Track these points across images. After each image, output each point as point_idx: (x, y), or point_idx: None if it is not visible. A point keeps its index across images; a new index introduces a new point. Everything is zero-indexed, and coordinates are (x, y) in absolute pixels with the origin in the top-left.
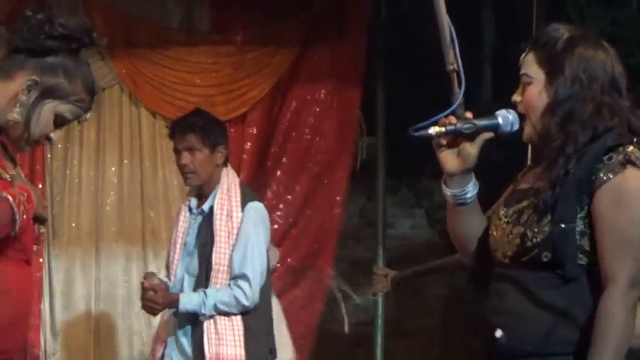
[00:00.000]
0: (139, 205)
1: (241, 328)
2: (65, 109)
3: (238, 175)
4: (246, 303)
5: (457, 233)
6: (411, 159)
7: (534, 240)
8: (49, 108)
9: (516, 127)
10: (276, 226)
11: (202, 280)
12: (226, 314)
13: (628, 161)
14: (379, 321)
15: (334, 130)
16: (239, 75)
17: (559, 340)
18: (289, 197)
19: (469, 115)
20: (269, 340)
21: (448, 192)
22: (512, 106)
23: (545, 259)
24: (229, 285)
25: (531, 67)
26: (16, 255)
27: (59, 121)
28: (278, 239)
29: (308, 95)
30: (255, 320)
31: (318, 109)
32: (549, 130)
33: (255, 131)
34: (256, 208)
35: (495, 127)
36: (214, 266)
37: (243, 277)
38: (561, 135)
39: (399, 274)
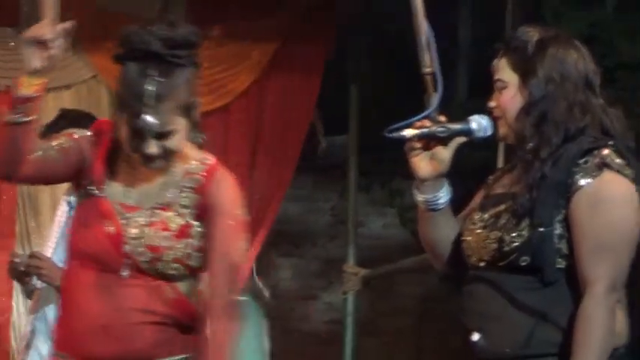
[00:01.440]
0: None
1: None
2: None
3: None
4: None
5: (429, 239)
6: (383, 158)
7: (512, 244)
8: None
9: (489, 132)
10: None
11: None
12: None
13: (604, 165)
14: (349, 319)
15: (297, 125)
16: (216, 68)
17: (539, 342)
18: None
19: (443, 119)
20: None
21: (420, 198)
22: (488, 107)
23: (523, 264)
24: None
25: (505, 71)
26: None
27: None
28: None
29: (283, 90)
30: None
31: (287, 104)
32: (524, 132)
33: (238, 122)
34: None
35: (469, 132)
36: None
37: None
38: (535, 136)
39: (369, 273)
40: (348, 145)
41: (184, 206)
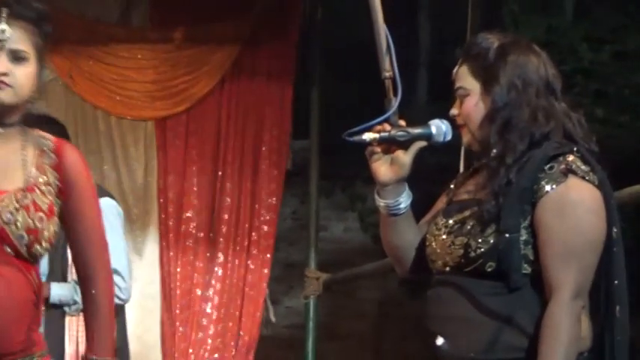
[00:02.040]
0: None
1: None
2: None
3: (185, 170)
4: (122, 296)
5: (391, 245)
6: (345, 162)
7: (478, 250)
8: None
9: (449, 137)
10: (224, 228)
11: (58, 278)
12: None
13: (569, 171)
14: (311, 324)
15: (269, 129)
16: (177, 72)
17: (503, 347)
18: (233, 195)
19: (403, 123)
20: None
21: (381, 203)
22: (450, 116)
23: (489, 269)
24: None
25: (466, 79)
26: None
27: None
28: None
29: (248, 94)
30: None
31: (256, 109)
32: (488, 139)
33: (200, 128)
34: (109, 204)
35: (428, 137)
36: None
37: (114, 271)
38: (500, 143)
39: (331, 278)
40: (307, 149)
41: (46, 183)
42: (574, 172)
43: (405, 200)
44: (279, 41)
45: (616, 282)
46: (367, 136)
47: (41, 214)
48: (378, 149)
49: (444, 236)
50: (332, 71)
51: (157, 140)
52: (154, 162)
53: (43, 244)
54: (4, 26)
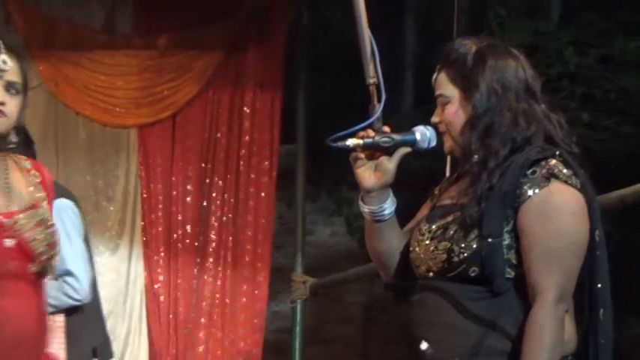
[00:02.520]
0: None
1: (62, 327)
2: None
3: (170, 178)
4: (77, 296)
5: (376, 250)
6: (331, 166)
7: (461, 255)
8: None
9: (433, 143)
10: (213, 235)
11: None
12: (52, 312)
13: (552, 175)
14: (297, 328)
15: (258, 135)
16: (162, 78)
17: (487, 351)
18: (222, 203)
19: (387, 129)
20: (93, 338)
21: (366, 209)
22: (432, 123)
23: (472, 274)
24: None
25: (446, 86)
26: None
27: None
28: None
29: (234, 100)
30: (78, 319)
31: (243, 115)
32: (470, 145)
33: (185, 134)
34: (65, 205)
35: (413, 143)
36: None
37: (68, 272)
38: (482, 149)
39: (317, 282)
40: (293, 154)
41: (42, 199)
42: (556, 177)
43: (389, 206)
44: (265, 47)
45: (599, 285)
46: (351, 141)
47: (52, 228)
48: (362, 155)
49: (428, 241)
50: (317, 75)
51: (140, 148)
52: (137, 170)
53: (57, 256)
54: (4, 57)
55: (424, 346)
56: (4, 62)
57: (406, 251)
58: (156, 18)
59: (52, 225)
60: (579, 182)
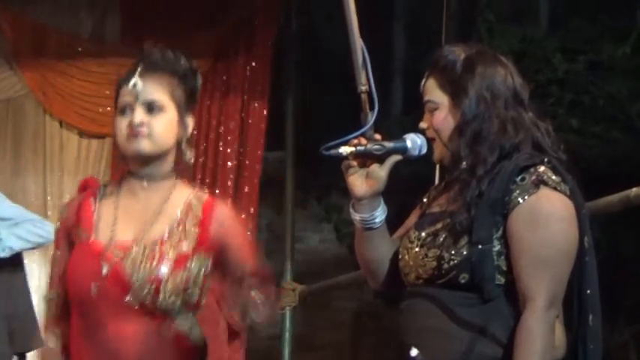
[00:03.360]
0: (54, 215)
1: None
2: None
3: None
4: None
5: (365, 258)
6: (320, 173)
7: (451, 262)
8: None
9: (424, 151)
10: None
11: None
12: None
13: (540, 182)
14: (287, 335)
15: (245, 143)
16: None
17: (478, 357)
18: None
19: (378, 137)
20: (7, 324)
21: (357, 217)
22: (420, 129)
23: (463, 281)
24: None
25: (434, 92)
26: None
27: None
28: None
29: (222, 108)
30: None
31: (229, 122)
32: (459, 152)
33: None
34: None
35: (404, 150)
36: None
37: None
38: (471, 156)
39: (307, 289)
40: (282, 160)
41: (183, 237)
42: (545, 183)
43: (380, 214)
44: (253, 55)
45: (589, 291)
46: (343, 149)
47: (167, 265)
48: (354, 163)
49: (417, 249)
50: (306, 82)
51: None
52: None
53: (168, 296)
54: (136, 80)
55: (414, 352)
56: (134, 85)
57: (395, 259)
58: (144, 26)
59: (169, 262)
60: (568, 188)
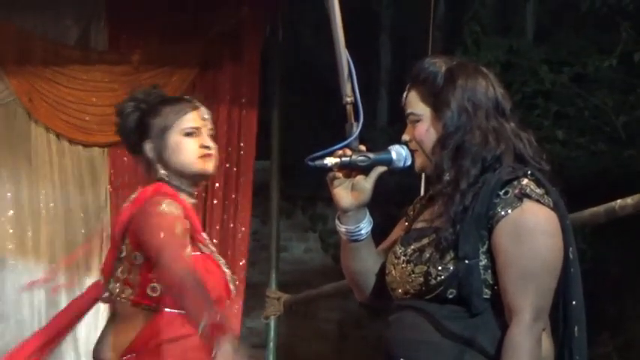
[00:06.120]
0: (37, 222)
1: None
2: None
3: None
4: None
5: (351, 270)
6: (305, 183)
7: (438, 278)
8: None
9: (409, 162)
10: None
11: None
12: None
13: (524, 195)
14: (271, 345)
15: (233, 152)
16: None
17: None
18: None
19: (363, 148)
20: None
21: (343, 228)
22: (402, 141)
23: (450, 296)
24: None
25: (416, 105)
26: None
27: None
28: None
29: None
30: None
31: (218, 131)
32: (442, 164)
33: None
34: None
35: (389, 162)
36: None
37: None
38: (453, 169)
39: (291, 298)
40: (266, 170)
41: None
42: (529, 196)
43: (365, 226)
44: (240, 64)
45: (574, 302)
46: (328, 160)
47: None
48: (340, 174)
49: (404, 265)
50: (292, 93)
51: (111, 165)
52: (107, 188)
53: None
54: (203, 109)
55: None
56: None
57: (382, 272)
58: (130, 34)
59: None
60: (552, 201)
